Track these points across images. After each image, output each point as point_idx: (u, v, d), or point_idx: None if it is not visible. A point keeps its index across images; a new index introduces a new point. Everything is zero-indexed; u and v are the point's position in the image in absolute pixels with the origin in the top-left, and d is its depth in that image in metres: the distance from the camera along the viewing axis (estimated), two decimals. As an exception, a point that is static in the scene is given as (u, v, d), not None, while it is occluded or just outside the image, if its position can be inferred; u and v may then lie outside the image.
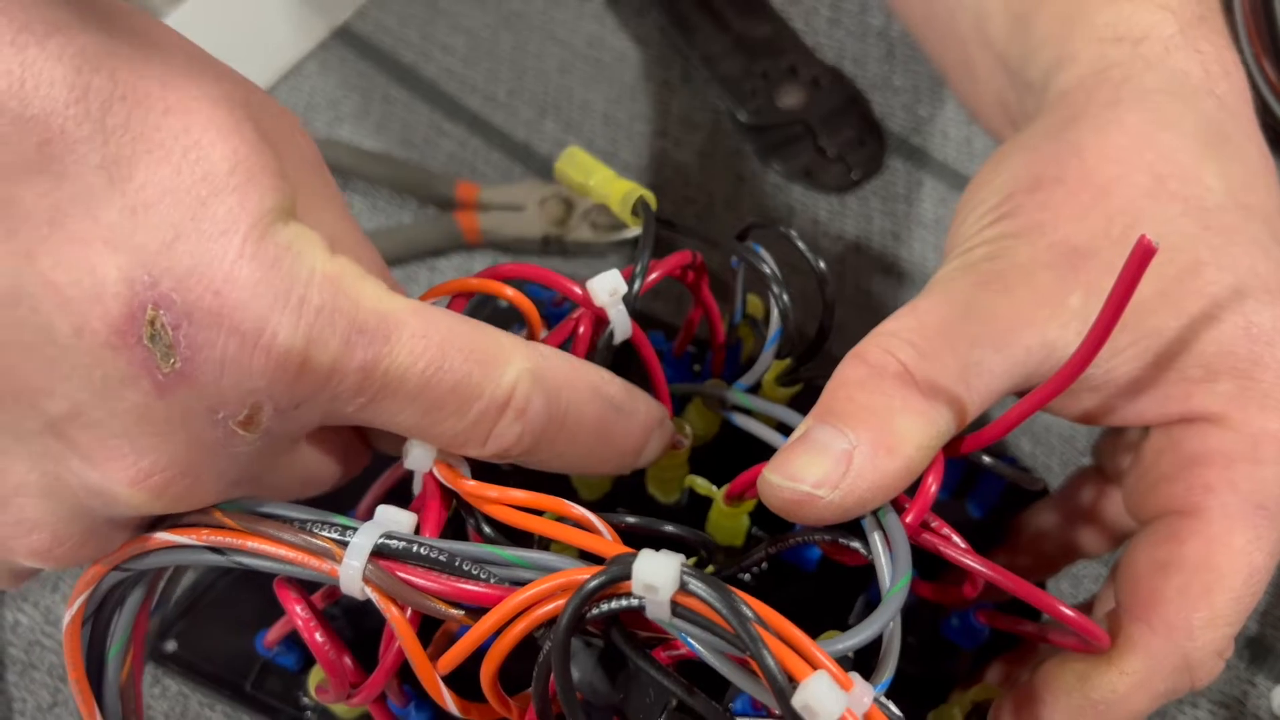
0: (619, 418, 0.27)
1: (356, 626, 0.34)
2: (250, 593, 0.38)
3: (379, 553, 0.23)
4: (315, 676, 0.32)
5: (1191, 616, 0.26)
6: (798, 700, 0.19)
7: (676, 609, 0.20)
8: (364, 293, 0.23)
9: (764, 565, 0.32)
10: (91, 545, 0.24)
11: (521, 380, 0.24)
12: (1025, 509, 0.36)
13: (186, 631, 0.38)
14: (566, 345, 0.29)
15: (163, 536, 0.24)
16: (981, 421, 0.27)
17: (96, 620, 0.26)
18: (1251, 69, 0.46)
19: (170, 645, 0.37)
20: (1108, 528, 0.33)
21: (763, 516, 0.31)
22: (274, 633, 0.29)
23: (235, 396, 0.22)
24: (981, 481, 0.36)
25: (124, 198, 0.21)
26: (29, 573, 0.26)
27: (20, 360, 0.21)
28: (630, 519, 0.26)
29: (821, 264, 0.30)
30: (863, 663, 0.23)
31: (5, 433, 0.22)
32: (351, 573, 0.23)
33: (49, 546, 0.23)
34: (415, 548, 0.23)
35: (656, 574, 0.20)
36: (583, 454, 0.27)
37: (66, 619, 0.25)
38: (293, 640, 0.33)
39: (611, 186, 0.31)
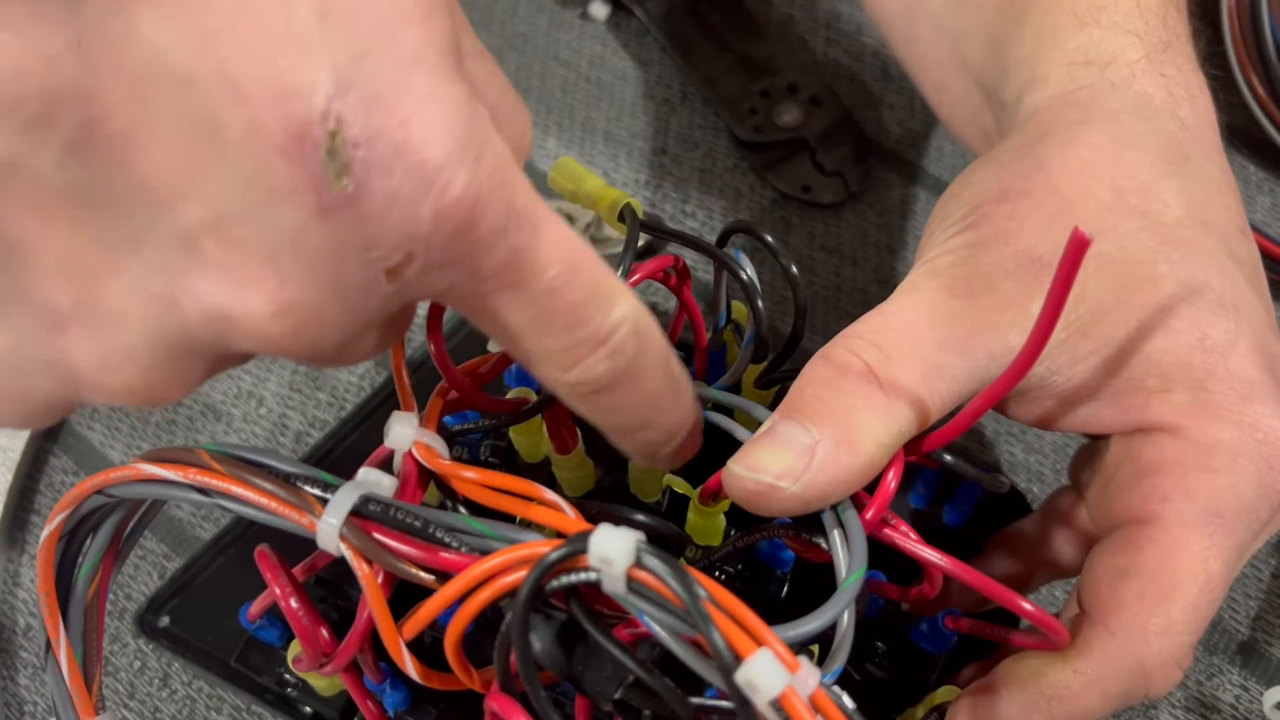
0: (673, 397, 0.26)
1: (340, 617, 0.35)
2: (243, 573, 0.39)
3: (357, 512, 0.24)
4: (294, 649, 0.33)
5: (1148, 622, 0.27)
6: (740, 676, 0.20)
7: (632, 584, 0.21)
8: (519, 176, 0.21)
9: (739, 565, 0.32)
10: (175, 387, 0.21)
11: (625, 322, 0.23)
12: (1004, 523, 0.36)
13: (180, 608, 0.39)
14: None
15: (150, 469, 0.24)
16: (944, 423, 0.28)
17: (71, 539, 0.27)
18: (1239, 83, 0.47)
19: (164, 620, 0.38)
20: (1083, 543, 0.33)
21: (739, 518, 0.31)
22: (257, 606, 0.30)
23: (394, 239, 0.20)
24: (957, 492, 0.36)
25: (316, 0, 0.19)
26: (70, 408, 0.22)
27: (170, 154, 0.19)
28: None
29: (794, 268, 0.31)
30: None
31: (125, 240, 0.19)
32: (329, 529, 0.23)
33: (132, 383, 0.21)
34: (392, 511, 0.24)
35: (612, 547, 0.21)
36: (631, 416, 0.26)
37: (45, 533, 0.26)
38: (276, 616, 0.34)
39: (601, 194, 0.33)
